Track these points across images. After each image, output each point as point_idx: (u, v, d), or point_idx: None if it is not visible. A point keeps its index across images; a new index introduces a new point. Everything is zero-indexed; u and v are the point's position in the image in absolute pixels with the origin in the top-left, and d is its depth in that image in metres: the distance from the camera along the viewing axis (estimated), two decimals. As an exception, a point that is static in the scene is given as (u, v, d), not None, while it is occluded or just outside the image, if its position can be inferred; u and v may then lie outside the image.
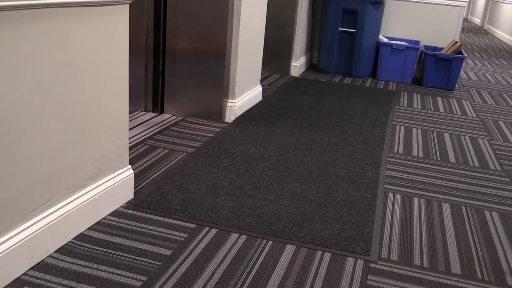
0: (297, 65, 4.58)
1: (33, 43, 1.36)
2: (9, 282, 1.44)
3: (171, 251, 1.66)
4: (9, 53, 1.29)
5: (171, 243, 1.71)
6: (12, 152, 1.37)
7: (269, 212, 1.97)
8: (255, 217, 1.91)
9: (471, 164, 2.74)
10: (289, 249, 1.74)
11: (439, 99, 4.19)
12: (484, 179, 2.54)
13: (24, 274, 1.48)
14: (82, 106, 1.61)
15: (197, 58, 2.95)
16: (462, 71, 5.67)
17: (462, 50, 4.61)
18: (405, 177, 2.47)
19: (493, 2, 11.27)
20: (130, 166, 1.96)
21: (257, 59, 3.38)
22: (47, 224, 1.54)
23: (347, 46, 4.69)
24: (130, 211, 1.90)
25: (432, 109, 3.83)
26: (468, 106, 4.03)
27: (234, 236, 1.79)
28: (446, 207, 2.18)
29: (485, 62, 6.48)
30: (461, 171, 2.62)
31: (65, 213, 1.62)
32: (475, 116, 3.75)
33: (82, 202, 1.69)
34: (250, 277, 1.56)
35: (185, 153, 2.49)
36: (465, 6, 4.73)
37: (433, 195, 2.29)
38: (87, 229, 1.75)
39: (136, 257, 1.61)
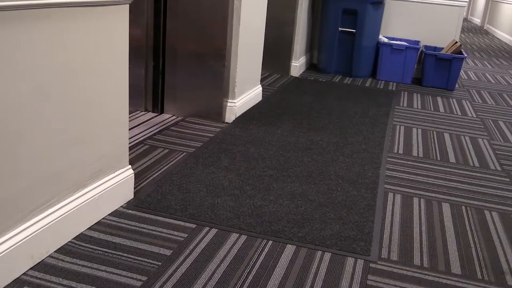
0: (297, 65, 4.58)
1: (33, 43, 1.36)
2: (9, 282, 1.44)
3: (171, 251, 1.66)
4: (9, 53, 1.29)
5: (171, 243, 1.71)
6: (12, 152, 1.37)
7: (269, 212, 1.97)
8: (255, 217, 1.91)
9: (471, 164, 2.74)
10: (289, 249, 1.74)
11: (439, 99, 4.19)
12: (484, 179, 2.54)
13: (24, 274, 1.48)
14: (82, 106, 1.61)
15: (197, 58, 2.95)
16: (462, 71, 5.67)
17: (462, 50, 4.61)
18: (405, 177, 2.47)
19: (493, 2, 11.27)
20: (130, 166, 1.96)
21: (257, 59, 3.38)
22: (47, 224, 1.54)
23: (347, 46, 4.69)
24: (130, 211, 1.90)
25: (432, 109, 3.83)
26: (468, 106, 4.04)
27: (234, 236, 1.79)
28: (446, 207, 2.18)
29: (485, 62, 6.48)
30: (461, 171, 2.62)
31: (65, 213, 1.62)
32: (475, 116, 3.75)
33: (82, 202, 1.69)
34: (250, 277, 1.56)
35: (185, 153, 2.49)
36: (465, 6, 4.73)
37: (433, 195, 2.29)
38: (87, 229, 1.75)
39: (136, 257, 1.61)
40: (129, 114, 3.02)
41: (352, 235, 1.85)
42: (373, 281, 1.60)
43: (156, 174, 2.23)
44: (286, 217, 1.94)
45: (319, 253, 1.73)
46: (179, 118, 3.04)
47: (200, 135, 2.78)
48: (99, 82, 1.67)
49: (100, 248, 1.65)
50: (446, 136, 3.20)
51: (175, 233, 1.77)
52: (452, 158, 2.80)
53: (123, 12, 1.71)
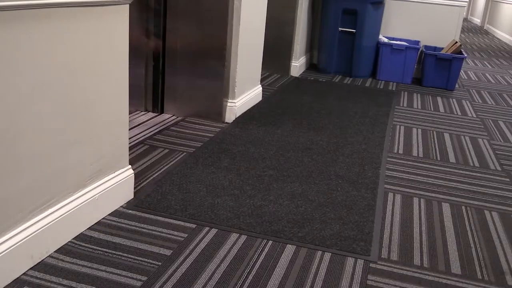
0: (297, 65, 4.58)
1: (33, 43, 1.36)
2: (9, 282, 1.44)
3: (171, 251, 1.66)
4: (9, 53, 1.29)
5: (171, 243, 1.71)
6: (12, 152, 1.37)
7: (269, 212, 1.97)
8: (255, 217, 1.91)
9: (471, 164, 2.74)
10: (289, 249, 1.74)
11: (439, 99, 4.19)
12: (484, 179, 2.54)
13: (24, 274, 1.48)
14: (82, 106, 1.61)
15: (197, 58, 2.95)
16: (462, 71, 5.67)
17: (462, 50, 4.61)
18: (405, 177, 2.47)
19: (493, 2, 11.27)
20: (130, 166, 1.96)
21: (257, 59, 3.38)
22: (47, 224, 1.54)
23: (347, 46, 4.69)
24: (130, 211, 1.90)
25: (432, 109, 3.83)
26: (468, 106, 4.04)
27: (234, 236, 1.79)
28: (446, 207, 2.18)
29: (485, 62, 6.48)
30: (461, 171, 2.62)
31: (65, 213, 1.62)
32: (475, 116, 3.75)
33: (82, 202, 1.69)
34: (250, 277, 1.56)
35: (185, 153, 2.49)
36: (465, 6, 4.73)
37: (433, 195, 2.29)
38: (87, 229, 1.75)
39: (136, 257, 1.61)
40: (129, 114, 3.02)
41: (352, 235, 1.85)
42: (373, 281, 1.60)
43: (156, 174, 2.23)
44: (286, 217, 1.94)
45: (319, 253, 1.73)
46: (179, 118, 3.04)
47: (200, 135, 2.78)
48: (99, 82, 1.67)
49: (100, 248, 1.65)
50: (446, 136, 3.20)
51: (175, 233, 1.77)
52: (452, 158, 2.80)
53: (123, 12, 1.71)
